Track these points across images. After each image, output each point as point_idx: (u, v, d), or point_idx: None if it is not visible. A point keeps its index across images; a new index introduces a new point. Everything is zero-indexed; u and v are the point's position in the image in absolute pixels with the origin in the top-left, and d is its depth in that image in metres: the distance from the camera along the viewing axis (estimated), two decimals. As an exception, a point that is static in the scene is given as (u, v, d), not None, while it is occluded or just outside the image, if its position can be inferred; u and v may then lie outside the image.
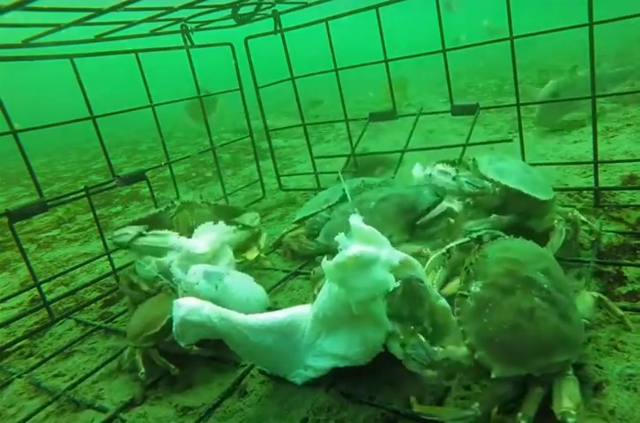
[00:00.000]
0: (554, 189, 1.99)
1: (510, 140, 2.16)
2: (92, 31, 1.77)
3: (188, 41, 2.22)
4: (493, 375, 0.86)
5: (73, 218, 3.28)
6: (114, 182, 1.90)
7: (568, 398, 0.85)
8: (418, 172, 1.68)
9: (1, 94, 1.52)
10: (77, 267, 2.00)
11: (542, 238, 1.39)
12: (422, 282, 1.06)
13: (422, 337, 0.92)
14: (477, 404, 0.88)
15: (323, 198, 1.91)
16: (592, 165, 1.87)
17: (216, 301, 1.25)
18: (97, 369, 1.36)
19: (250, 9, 2.14)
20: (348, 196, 1.62)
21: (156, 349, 1.28)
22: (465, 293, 0.96)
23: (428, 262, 1.25)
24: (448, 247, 1.26)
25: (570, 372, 0.91)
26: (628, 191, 1.89)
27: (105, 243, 1.89)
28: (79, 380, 1.33)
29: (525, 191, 1.43)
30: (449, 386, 1.02)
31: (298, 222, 1.91)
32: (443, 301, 1.03)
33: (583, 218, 1.49)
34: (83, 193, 1.81)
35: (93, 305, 1.82)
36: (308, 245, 1.78)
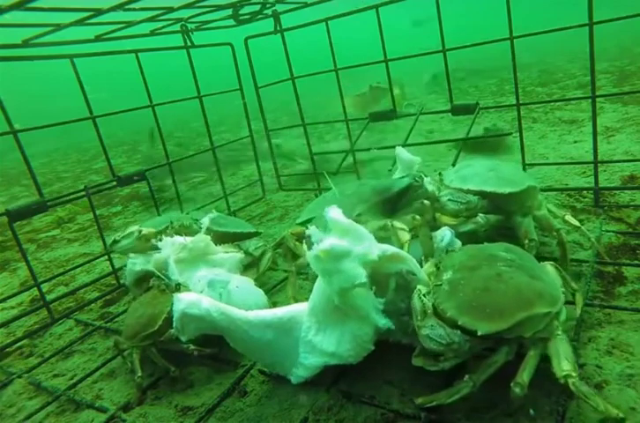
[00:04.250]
0: (553, 189, 2.00)
1: (510, 133, 2.16)
2: (92, 31, 1.77)
3: (188, 41, 2.22)
4: (479, 333, 0.89)
5: (73, 218, 3.28)
6: (114, 182, 1.89)
7: (565, 360, 0.88)
8: (404, 154, 1.67)
9: (1, 94, 1.53)
10: (77, 267, 1.99)
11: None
12: (414, 274, 1.06)
13: (439, 321, 0.96)
14: (468, 376, 0.91)
15: (327, 200, 1.90)
16: (592, 165, 1.87)
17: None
18: (97, 369, 1.37)
19: (251, 9, 2.14)
20: (336, 193, 1.61)
21: (154, 348, 1.28)
22: (438, 282, 1.03)
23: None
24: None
25: (560, 332, 0.95)
26: (628, 191, 1.89)
27: (105, 243, 1.89)
28: (79, 380, 1.33)
29: (488, 189, 1.43)
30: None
31: (301, 224, 1.90)
32: None
33: (577, 223, 1.44)
34: (83, 193, 1.80)
35: (93, 305, 1.82)
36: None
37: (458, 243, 1.33)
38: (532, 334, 0.93)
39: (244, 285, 1.40)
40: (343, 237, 1.00)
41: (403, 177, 1.56)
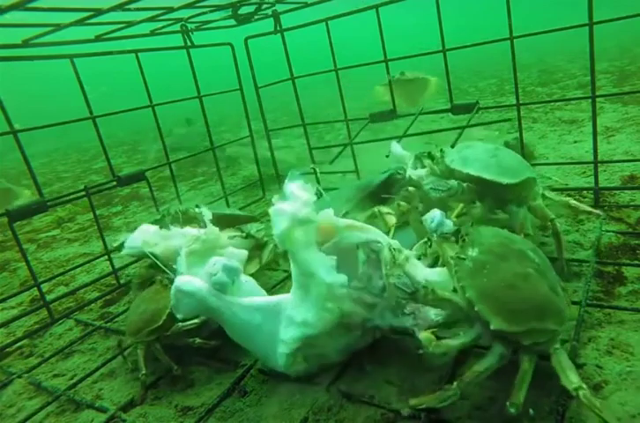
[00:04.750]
0: (553, 189, 1.99)
1: (510, 119, 2.15)
2: (92, 31, 1.77)
3: (188, 41, 2.22)
4: (492, 327, 0.90)
5: (73, 218, 3.29)
6: (114, 182, 1.89)
7: (572, 372, 0.88)
8: (396, 149, 1.67)
9: (1, 94, 1.53)
10: (77, 267, 1.99)
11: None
12: (379, 242, 1.09)
13: (406, 269, 1.00)
14: (456, 383, 0.90)
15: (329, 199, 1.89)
16: (592, 165, 1.87)
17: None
18: (97, 369, 1.36)
19: (251, 9, 2.14)
20: (323, 193, 1.62)
21: (159, 344, 1.28)
22: (462, 256, 1.01)
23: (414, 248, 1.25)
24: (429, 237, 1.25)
25: (558, 345, 0.94)
26: (628, 191, 1.89)
27: (105, 243, 1.89)
28: (79, 380, 1.33)
29: (488, 177, 1.39)
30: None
31: None
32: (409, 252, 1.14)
33: (582, 206, 1.44)
34: (83, 193, 1.80)
35: (93, 305, 1.82)
36: None
37: (449, 224, 1.33)
38: (530, 343, 0.91)
39: (251, 283, 1.40)
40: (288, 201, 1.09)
41: (385, 171, 1.56)
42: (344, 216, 1.40)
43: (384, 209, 1.32)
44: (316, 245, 1.08)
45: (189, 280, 1.12)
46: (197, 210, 1.66)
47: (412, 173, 1.51)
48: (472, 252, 1.01)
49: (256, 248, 1.71)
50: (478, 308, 0.92)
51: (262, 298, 1.17)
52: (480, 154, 1.47)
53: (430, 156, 1.56)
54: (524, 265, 0.97)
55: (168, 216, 1.68)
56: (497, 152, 1.49)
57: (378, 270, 1.08)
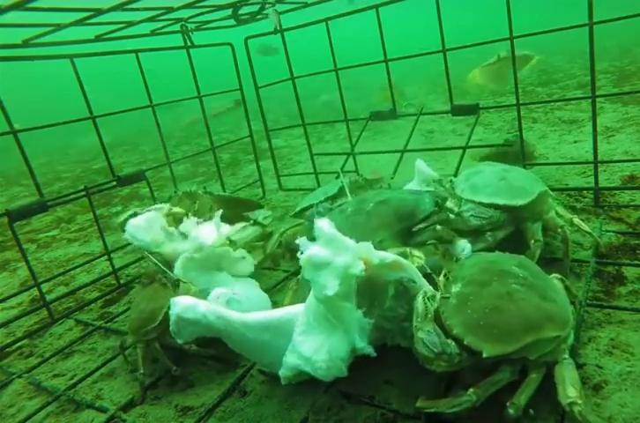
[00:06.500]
0: (553, 189, 1.99)
1: (511, 145, 2.15)
2: (92, 31, 1.77)
3: (188, 41, 2.22)
4: (484, 355, 0.88)
5: (73, 218, 3.28)
6: (114, 182, 1.90)
7: (572, 387, 0.86)
8: (423, 168, 1.67)
9: (1, 94, 1.53)
10: (77, 267, 1.99)
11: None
12: (414, 282, 1.06)
13: (437, 328, 0.95)
14: (472, 390, 0.89)
15: (322, 191, 1.90)
16: (592, 165, 1.87)
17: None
18: (97, 369, 1.37)
19: (251, 9, 2.14)
20: (347, 190, 1.60)
21: (157, 343, 1.28)
22: (447, 295, 1.00)
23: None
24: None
25: (567, 356, 0.93)
26: (628, 191, 1.89)
27: (105, 243, 1.89)
28: (79, 380, 1.33)
29: (501, 202, 1.42)
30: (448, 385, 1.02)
31: (297, 215, 1.89)
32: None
33: (586, 228, 1.44)
34: (83, 193, 1.81)
35: (93, 305, 1.82)
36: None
37: None
38: (537, 356, 0.91)
39: (251, 292, 1.39)
40: (327, 247, 0.98)
41: (423, 194, 1.53)
42: (379, 243, 1.37)
43: (416, 252, 1.31)
44: (354, 301, 1.01)
45: (191, 305, 1.05)
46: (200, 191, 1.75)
47: (449, 202, 1.50)
48: (455, 288, 1.00)
49: (261, 238, 1.73)
50: (467, 342, 0.90)
51: (270, 314, 1.10)
52: (488, 179, 1.49)
53: (441, 184, 1.57)
54: (508, 283, 0.97)
55: (176, 197, 1.71)
56: (506, 173, 1.51)
57: (401, 302, 1.06)
